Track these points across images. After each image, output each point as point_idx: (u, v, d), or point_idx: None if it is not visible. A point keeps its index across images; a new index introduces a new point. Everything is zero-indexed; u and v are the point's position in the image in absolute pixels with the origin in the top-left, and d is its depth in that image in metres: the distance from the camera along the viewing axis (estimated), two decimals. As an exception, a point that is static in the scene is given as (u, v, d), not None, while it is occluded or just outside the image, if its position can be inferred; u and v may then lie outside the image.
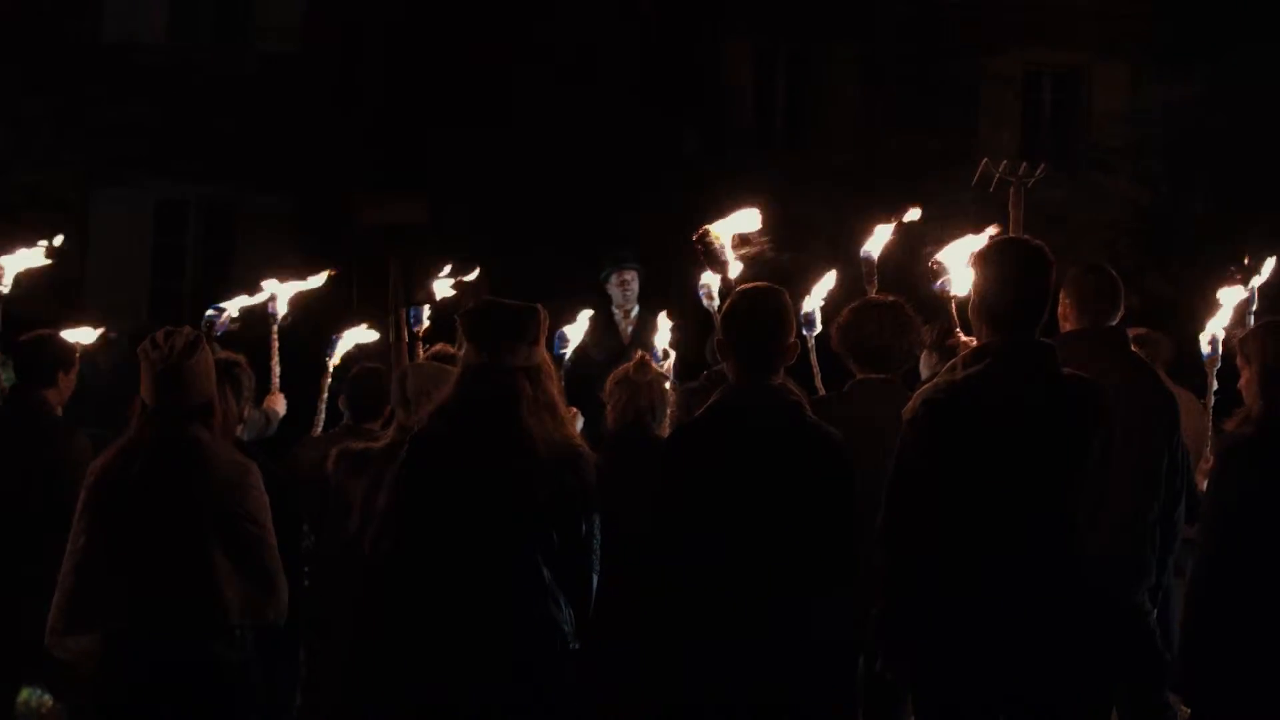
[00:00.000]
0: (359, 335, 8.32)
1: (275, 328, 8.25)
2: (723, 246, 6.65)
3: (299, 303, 8.45)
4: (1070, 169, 17.11)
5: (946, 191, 12.44)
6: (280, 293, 8.34)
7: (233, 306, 8.24)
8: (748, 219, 6.74)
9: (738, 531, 5.18)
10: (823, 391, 7.69)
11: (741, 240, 6.76)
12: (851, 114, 20.28)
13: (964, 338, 6.10)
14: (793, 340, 5.37)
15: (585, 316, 8.84)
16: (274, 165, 18.80)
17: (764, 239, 6.85)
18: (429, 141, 18.07)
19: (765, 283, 5.54)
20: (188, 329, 5.64)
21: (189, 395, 5.55)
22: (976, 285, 5.29)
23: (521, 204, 17.51)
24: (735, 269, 6.67)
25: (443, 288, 8.16)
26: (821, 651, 5.30)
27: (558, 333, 8.44)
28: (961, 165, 7.99)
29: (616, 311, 10.57)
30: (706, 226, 6.66)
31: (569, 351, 8.47)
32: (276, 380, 8.05)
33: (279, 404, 7.96)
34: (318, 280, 8.46)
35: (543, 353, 5.37)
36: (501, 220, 17.20)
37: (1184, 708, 6.41)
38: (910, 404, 5.22)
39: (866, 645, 6.26)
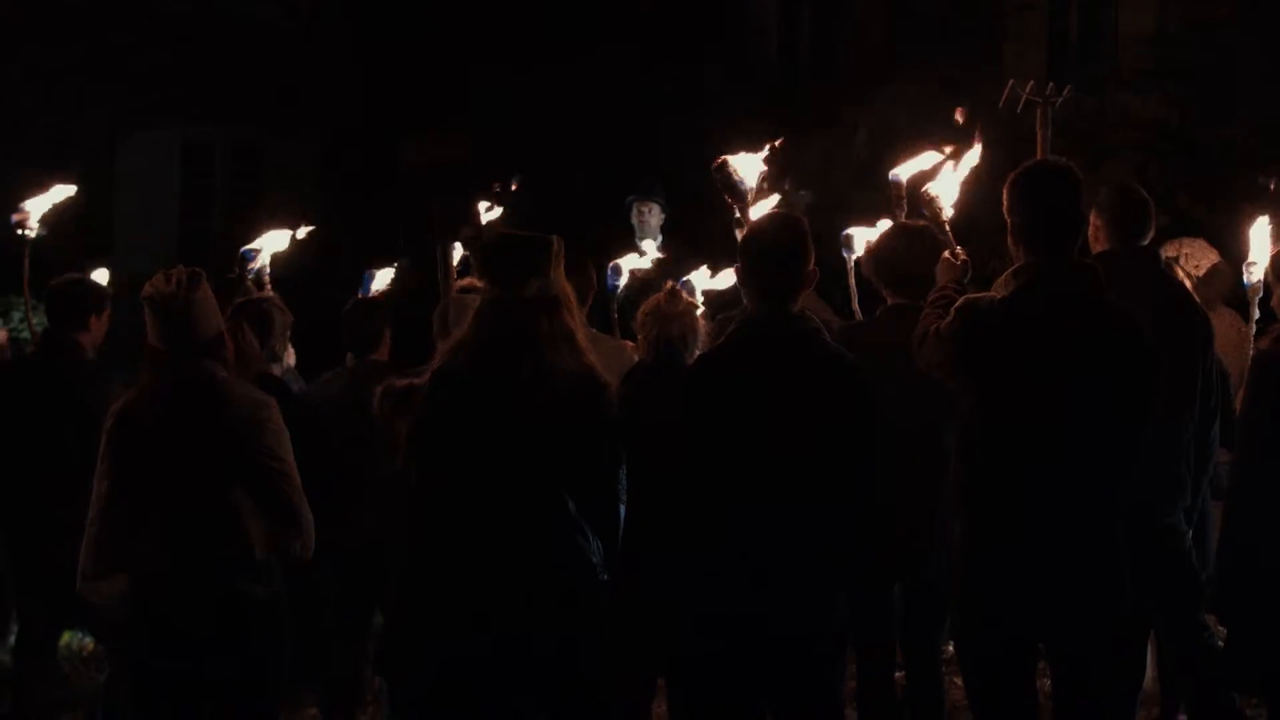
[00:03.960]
0: (386, 278, 8.33)
1: (266, 277, 8.23)
2: (741, 178, 6.60)
3: (281, 258, 8.44)
4: (1098, 92, 16.96)
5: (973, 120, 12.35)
6: (264, 246, 8.32)
7: (265, 246, 8.26)
8: (758, 161, 6.70)
9: (758, 459, 5.16)
10: (859, 314, 7.69)
11: (763, 180, 6.72)
12: (877, 45, 20.13)
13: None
14: (812, 268, 5.35)
15: (639, 254, 8.84)
16: (299, 106, 18.74)
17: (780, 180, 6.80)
18: (463, 81, 17.99)
19: (783, 210, 5.52)
20: (181, 267, 5.63)
21: (197, 331, 5.56)
22: (1009, 209, 5.35)
23: (555, 141, 17.44)
24: (755, 199, 6.63)
25: (487, 219, 8.15)
26: (845, 575, 5.30)
27: (611, 265, 8.46)
28: (987, 90, 7.90)
29: (641, 243, 10.56)
30: (724, 158, 6.62)
31: (622, 283, 8.49)
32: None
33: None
34: (284, 237, 8.45)
35: (561, 283, 5.33)
36: (537, 157, 17.16)
37: (1220, 628, 6.41)
38: (935, 320, 5.27)
39: (900, 570, 6.34)
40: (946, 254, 5.86)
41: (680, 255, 9.16)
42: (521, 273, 5.27)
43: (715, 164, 6.61)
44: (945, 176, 6.16)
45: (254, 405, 5.62)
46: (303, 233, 8.58)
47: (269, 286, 8.15)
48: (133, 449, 5.54)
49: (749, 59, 19.92)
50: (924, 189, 6.13)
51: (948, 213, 6.17)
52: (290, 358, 7.87)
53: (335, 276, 8.20)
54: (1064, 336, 5.17)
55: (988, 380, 5.25)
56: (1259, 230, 7.44)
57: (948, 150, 6.41)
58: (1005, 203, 5.42)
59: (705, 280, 7.79)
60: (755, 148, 6.87)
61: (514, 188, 7.41)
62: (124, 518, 5.50)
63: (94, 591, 5.58)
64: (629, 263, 8.69)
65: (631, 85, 17.77)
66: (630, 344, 7.22)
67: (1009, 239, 5.39)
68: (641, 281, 8.45)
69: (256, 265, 8.24)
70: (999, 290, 5.33)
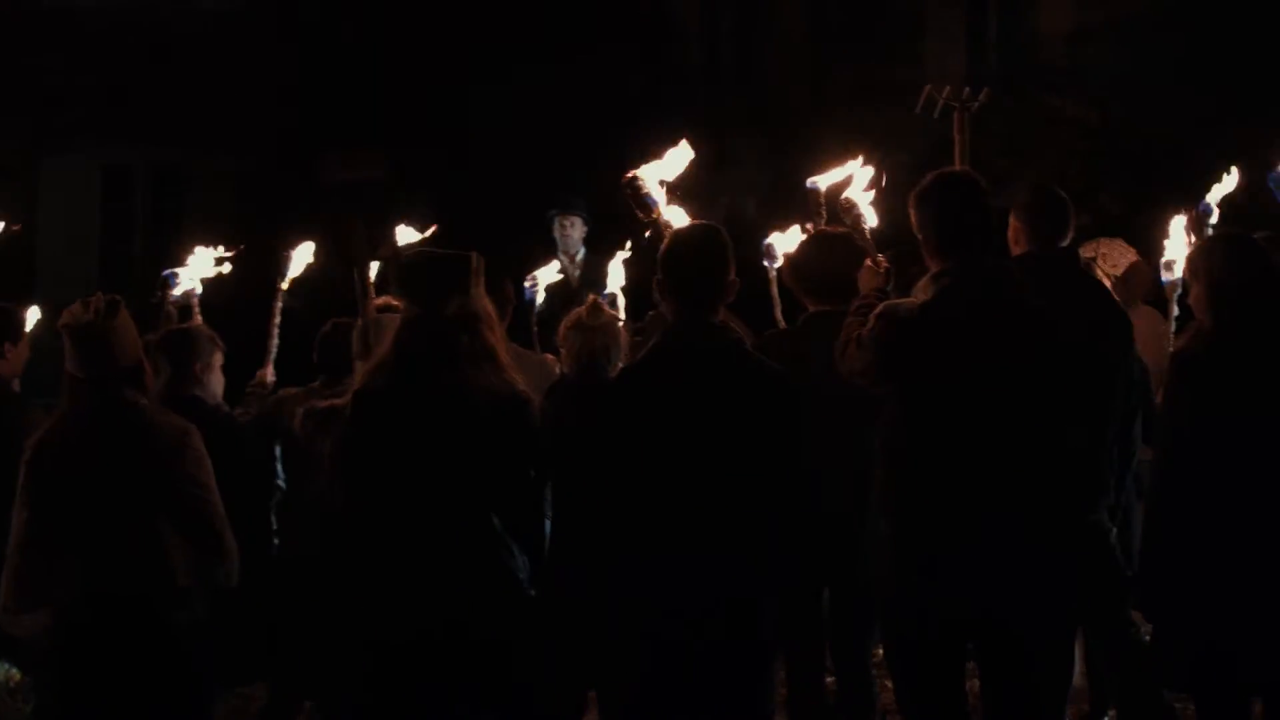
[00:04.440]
0: (307, 255, 8.22)
1: (194, 300, 8.16)
2: (648, 191, 6.59)
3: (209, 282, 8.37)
4: (1017, 92, 17.06)
5: (894, 120, 12.41)
6: (183, 275, 8.24)
7: (185, 274, 8.18)
8: (676, 162, 6.67)
9: (682, 471, 5.16)
10: (782, 323, 7.70)
11: (669, 186, 6.69)
12: (799, 46, 20.19)
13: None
14: (732, 278, 5.35)
15: (554, 266, 8.84)
16: (220, 126, 18.62)
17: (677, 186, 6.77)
18: (383, 97, 17.93)
19: (702, 221, 5.53)
20: (99, 294, 5.59)
21: (116, 359, 5.52)
22: (918, 225, 5.46)
23: (477, 153, 17.41)
24: (666, 212, 6.62)
25: (405, 238, 8.11)
26: (774, 583, 5.30)
27: (528, 277, 8.44)
28: (909, 93, 7.95)
29: (563, 257, 10.59)
30: (633, 172, 6.61)
31: (539, 297, 8.47)
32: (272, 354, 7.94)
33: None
34: (207, 260, 8.38)
35: (481, 301, 5.32)
36: (458, 172, 17.12)
37: (1146, 623, 6.45)
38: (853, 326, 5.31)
39: (828, 575, 6.35)
40: (869, 262, 5.89)
41: (600, 267, 9.15)
42: (441, 290, 5.26)
43: (624, 179, 6.59)
44: (862, 184, 6.19)
45: (176, 432, 5.58)
46: (222, 257, 8.49)
47: (197, 313, 8.08)
48: (52, 479, 5.49)
49: (671, 65, 19.94)
50: (843, 196, 6.15)
51: (870, 220, 6.20)
52: (219, 385, 7.79)
53: (257, 298, 8.09)
54: (984, 338, 5.23)
55: (911, 384, 5.30)
56: (1176, 228, 7.51)
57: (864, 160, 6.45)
58: (914, 216, 5.49)
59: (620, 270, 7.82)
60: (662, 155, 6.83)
61: (431, 233, 7.37)
62: (44, 550, 5.45)
63: (16, 624, 5.53)
64: (546, 276, 8.68)
65: (554, 97, 17.75)
66: (552, 358, 7.21)
67: (923, 250, 5.45)
68: (562, 295, 8.45)
69: (179, 289, 8.17)
70: (919, 295, 5.37)
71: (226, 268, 8.37)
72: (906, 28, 19.41)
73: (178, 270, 8.20)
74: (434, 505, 5.16)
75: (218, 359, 7.07)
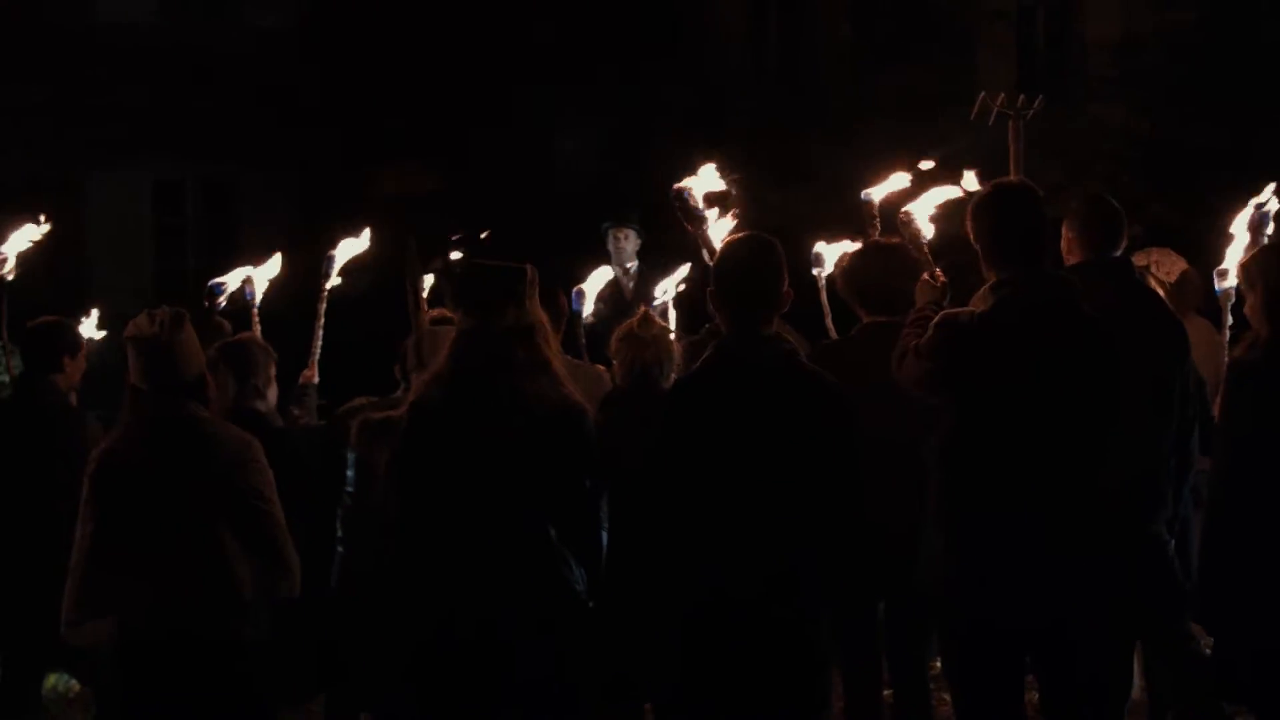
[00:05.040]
0: (353, 248, 8.25)
1: (255, 310, 8.19)
2: (697, 203, 6.59)
3: (273, 286, 8.42)
4: (1068, 101, 17.02)
5: (944, 129, 12.39)
6: (255, 275, 8.29)
7: (232, 280, 8.23)
8: (715, 174, 6.68)
9: (738, 483, 5.14)
10: (833, 331, 7.69)
11: (716, 196, 6.69)
12: (845, 55, 20.17)
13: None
14: (786, 289, 5.34)
15: (602, 273, 8.82)
16: (271, 141, 18.73)
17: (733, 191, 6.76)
18: (434, 111, 17.98)
19: (755, 232, 5.52)
20: (164, 308, 5.62)
21: (180, 372, 5.55)
22: (976, 235, 5.44)
23: (528, 166, 17.45)
24: (714, 223, 6.61)
25: (457, 253, 8.12)
26: (829, 602, 5.30)
27: (575, 290, 8.44)
28: (958, 102, 7.94)
29: (617, 269, 10.60)
30: (679, 185, 6.61)
31: (587, 309, 8.47)
32: (315, 354, 7.97)
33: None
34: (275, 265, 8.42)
35: (536, 311, 5.32)
36: (509, 184, 17.17)
37: (1207, 636, 6.41)
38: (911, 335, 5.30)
39: (885, 587, 6.33)
40: (925, 276, 5.88)
41: (654, 280, 9.16)
42: (497, 302, 5.26)
43: (672, 191, 6.59)
44: (922, 198, 6.18)
45: (239, 445, 5.60)
46: (277, 265, 8.54)
47: (256, 323, 8.11)
48: (116, 491, 5.50)
49: (716, 73, 19.94)
50: (902, 211, 6.14)
51: (926, 234, 6.19)
52: (274, 395, 7.83)
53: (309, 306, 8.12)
54: (1043, 348, 5.22)
55: (969, 393, 5.29)
56: (1238, 227, 7.44)
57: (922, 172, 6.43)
58: (971, 229, 5.48)
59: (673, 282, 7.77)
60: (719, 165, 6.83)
61: (484, 238, 7.40)
62: (108, 562, 5.47)
63: (79, 636, 5.55)
64: (594, 287, 8.68)
65: (604, 106, 17.77)
66: (603, 369, 7.21)
67: (981, 261, 5.43)
68: (615, 307, 8.45)
69: (223, 301, 8.22)
70: (978, 304, 5.36)
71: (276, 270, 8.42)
72: (956, 38, 19.37)
73: (224, 280, 8.24)
74: (491, 517, 5.15)
75: (272, 370, 7.11)
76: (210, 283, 8.25)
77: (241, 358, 6.75)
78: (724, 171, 6.67)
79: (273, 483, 5.61)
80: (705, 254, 6.55)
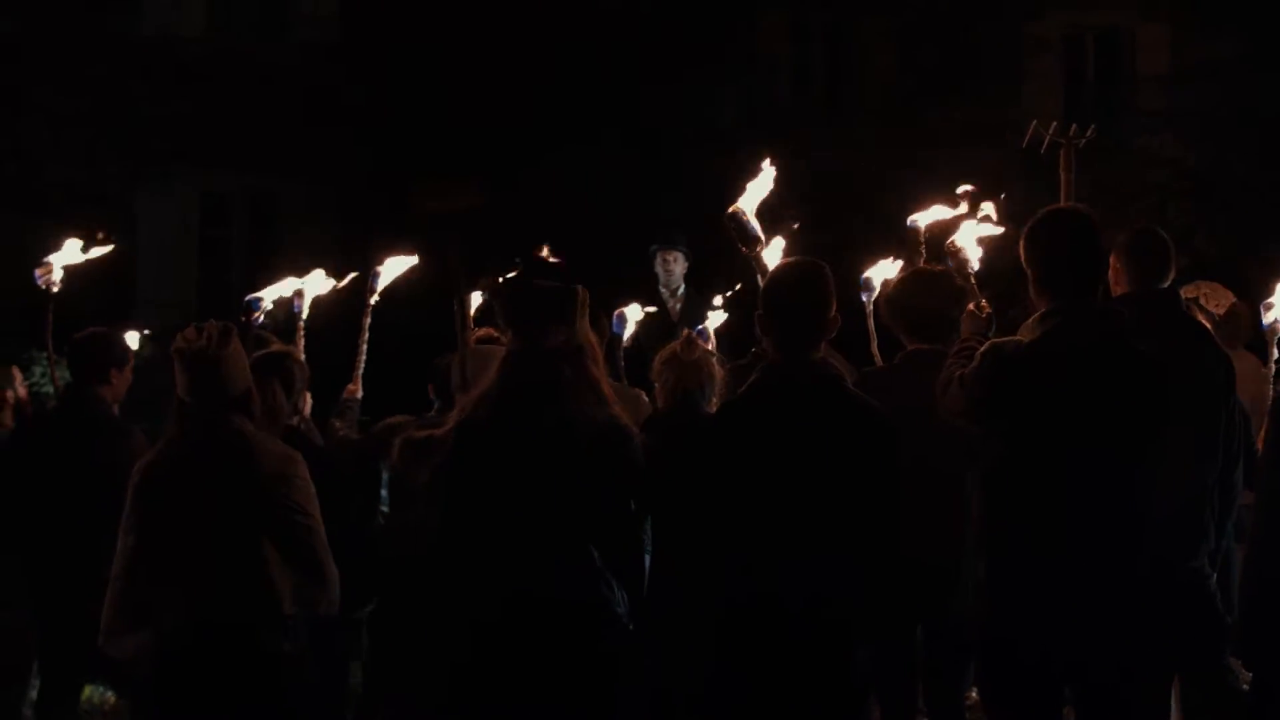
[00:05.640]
0: (399, 266, 8.26)
1: (301, 323, 8.21)
2: (751, 223, 6.60)
3: (324, 300, 8.43)
4: (1115, 133, 16.97)
5: (989, 159, 12.37)
6: (305, 288, 8.32)
7: (269, 295, 8.25)
8: (763, 184, 6.67)
9: (782, 508, 5.16)
10: (879, 356, 7.68)
11: (770, 214, 6.70)
12: (889, 83, 20.17)
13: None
14: (833, 314, 5.35)
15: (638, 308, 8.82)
16: (316, 154, 18.79)
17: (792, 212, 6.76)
18: (480, 126, 18.02)
19: (805, 257, 5.52)
20: (212, 321, 5.64)
21: (226, 386, 5.57)
22: (1029, 259, 5.38)
23: (570, 185, 17.47)
24: (770, 244, 6.60)
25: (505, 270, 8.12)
26: (867, 629, 5.28)
27: (617, 313, 8.45)
28: (1003, 132, 7.94)
29: (663, 291, 10.60)
30: (734, 207, 6.62)
31: (627, 332, 8.48)
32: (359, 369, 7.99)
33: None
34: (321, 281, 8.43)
35: (585, 332, 5.33)
36: (552, 203, 17.19)
37: (1246, 671, 6.38)
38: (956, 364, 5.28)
39: (922, 616, 6.31)
40: (971, 306, 5.86)
41: (701, 304, 9.18)
42: (546, 323, 5.27)
43: (727, 214, 6.60)
44: (968, 228, 6.17)
45: (282, 460, 5.62)
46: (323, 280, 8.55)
47: (301, 336, 8.12)
48: (159, 504, 5.53)
49: (761, 98, 19.95)
50: (949, 240, 6.13)
51: (974, 264, 6.17)
52: (306, 407, 7.85)
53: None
54: (1091, 380, 5.18)
55: (1014, 423, 5.25)
56: None
57: (964, 201, 6.42)
58: (1024, 252, 5.44)
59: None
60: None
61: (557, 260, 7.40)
62: (149, 574, 5.49)
63: (118, 647, 5.57)
64: (634, 311, 8.70)
65: (640, 129, 17.79)
66: (641, 393, 7.21)
67: (1031, 288, 5.40)
68: (661, 330, 8.46)
69: (260, 316, 8.24)
70: (1025, 334, 5.33)
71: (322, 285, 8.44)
72: (1001, 69, 19.34)
73: (261, 295, 8.26)
74: (534, 538, 5.15)
75: (305, 384, 7.15)
76: (247, 298, 8.27)
77: (286, 373, 6.77)
78: (780, 198, 6.68)
79: (314, 497, 5.63)
80: (759, 276, 6.55)
